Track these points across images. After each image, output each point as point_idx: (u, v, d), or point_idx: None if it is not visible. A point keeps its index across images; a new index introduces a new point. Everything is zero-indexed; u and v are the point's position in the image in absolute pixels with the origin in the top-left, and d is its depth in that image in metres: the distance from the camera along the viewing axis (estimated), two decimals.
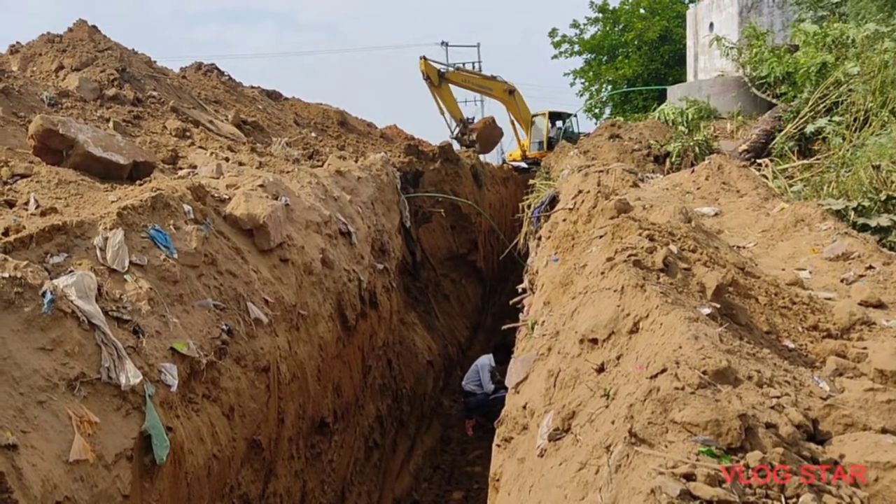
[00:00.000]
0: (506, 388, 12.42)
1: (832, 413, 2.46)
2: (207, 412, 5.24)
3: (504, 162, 28.94)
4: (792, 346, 3.54)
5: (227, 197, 7.21)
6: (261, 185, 7.63)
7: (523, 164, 27.05)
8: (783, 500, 1.92)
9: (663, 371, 2.27)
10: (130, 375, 4.35)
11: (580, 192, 6.23)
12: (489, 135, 24.38)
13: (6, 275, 4.10)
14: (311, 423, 7.29)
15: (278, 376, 6.35)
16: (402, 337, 11.68)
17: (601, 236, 5.33)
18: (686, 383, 2.17)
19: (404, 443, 10.61)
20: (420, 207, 15.55)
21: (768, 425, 2.10)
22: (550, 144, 25.23)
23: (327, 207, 8.96)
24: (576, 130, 26.40)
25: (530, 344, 4.49)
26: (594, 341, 3.23)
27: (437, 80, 21.94)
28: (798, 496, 1.93)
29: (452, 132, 23.02)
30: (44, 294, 4.20)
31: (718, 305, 3.29)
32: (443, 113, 22.24)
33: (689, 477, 1.83)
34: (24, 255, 4.49)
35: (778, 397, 2.30)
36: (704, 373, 2.23)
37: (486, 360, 12.73)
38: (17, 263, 4.22)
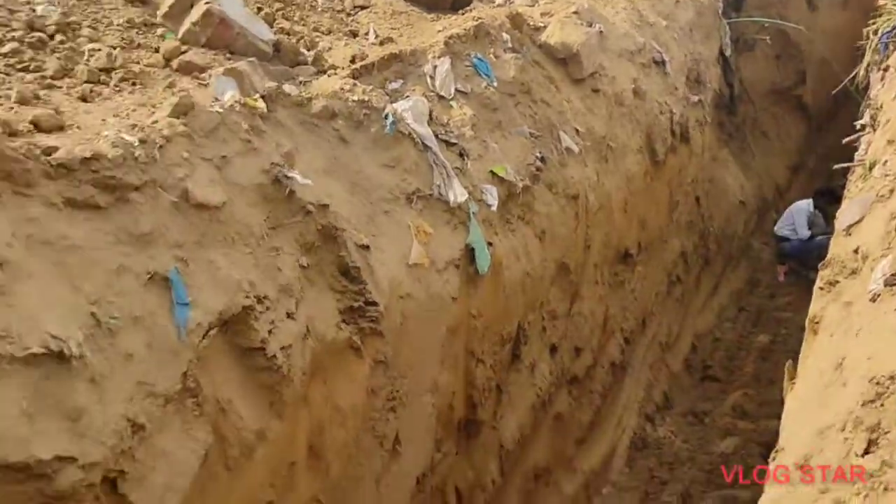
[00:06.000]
0: (824, 235, 11.53)
1: None
2: (522, 233, 5.60)
3: None
4: None
5: (542, 25, 7.22)
6: (575, 12, 7.50)
7: None
8: None
9: None
10: (458, 193, 4.78)
11: None
12: None
13: (356, 98, 4.64)
14: (615, 253, 7.45)
15: (586, 205, 6.52)
16: (713, 175, 11.15)
17: None
18: None
19: (708, 281, 10.42)
20: (742, 34, 14.18)
21: None
22: None
23: (641, 34, 8.58)
24: None
25: (868, 185, 4.06)
26: None
27: None
28: None
29: None
30: (386, 116, 4.68)
31: None
32: None
33: None
34: (368, 80, 4.99)
35: None
36: None
37: (803, 205, 11.75)
38: (364, 88, 4.73)
